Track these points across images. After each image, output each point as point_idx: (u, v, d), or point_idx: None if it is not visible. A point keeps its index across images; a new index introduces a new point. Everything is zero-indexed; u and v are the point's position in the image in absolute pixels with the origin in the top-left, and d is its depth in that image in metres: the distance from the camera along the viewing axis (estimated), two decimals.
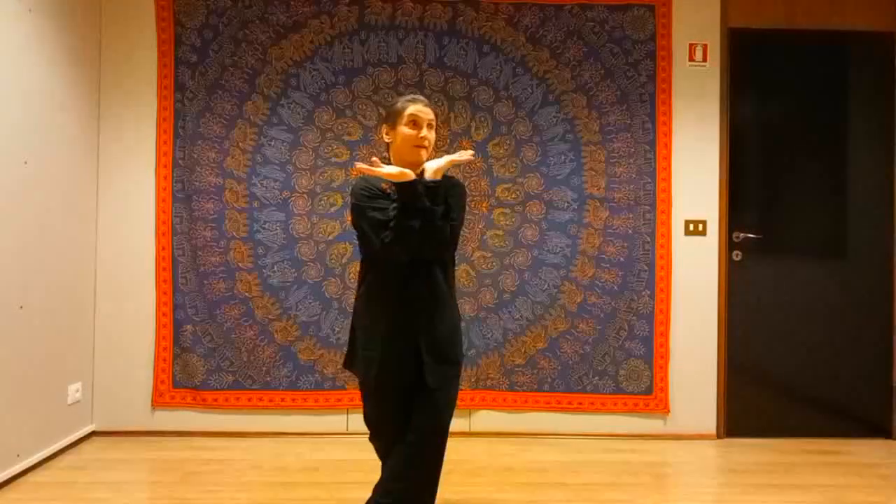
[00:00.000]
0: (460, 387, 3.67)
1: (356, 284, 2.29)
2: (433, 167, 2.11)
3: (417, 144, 2.16)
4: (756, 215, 3.82)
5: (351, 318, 2.30)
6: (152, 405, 3.65)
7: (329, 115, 3.69)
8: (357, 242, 2.25)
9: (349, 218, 2.16)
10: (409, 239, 2.03)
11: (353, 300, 3.65)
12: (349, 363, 2.30)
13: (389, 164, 2.19)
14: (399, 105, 2.20)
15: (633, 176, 3.73)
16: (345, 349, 2.36)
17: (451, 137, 3.71)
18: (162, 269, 3.65)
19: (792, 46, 3.82)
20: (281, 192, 3.68)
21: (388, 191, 2.13)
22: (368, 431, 2.30)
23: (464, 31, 3.72)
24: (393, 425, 2.16)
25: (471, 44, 3.72)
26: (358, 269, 2.24)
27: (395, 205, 2.06)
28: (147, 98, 3.66)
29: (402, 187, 2.05)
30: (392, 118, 2.21)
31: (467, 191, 3.69)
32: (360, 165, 2.11)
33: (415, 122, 2.17)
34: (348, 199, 3.65)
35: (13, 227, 2.96)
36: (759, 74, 3.82)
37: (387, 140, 2.24)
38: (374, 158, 2.13)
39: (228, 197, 3.67)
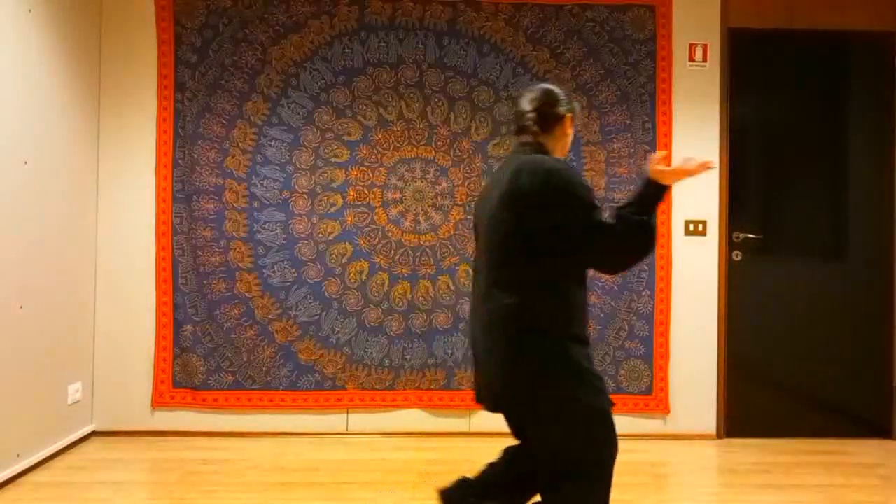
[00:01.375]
0: (461, 387, 3.70)
1: (531, 288, 1.83)
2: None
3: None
4: (756, 215, 3.82)
5: (523, 322, 1.81)
6: (152, 405, 3.65)
7: (329, 115, 3.69)
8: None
9: (546, 211, 1.81)
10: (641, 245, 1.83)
11: (352, 300, 3.69)
12: (559, 384, 1.80)
13: (546, 152, 1.96)
14: (573, 105, 2.04)
15: (633, 176, 3.73)
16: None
17: (450, 137, 3.71)
18: (162, 270, 3.65)
19: (792, 46, 3.82)
20: (281, 192, 3.68)
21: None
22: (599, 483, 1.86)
23: (464, 31, 3.72)
24: None
25: (471, 44, 3.72)
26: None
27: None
28: (147, 98, 3.66)
29: (662, 191, 1.85)
30: (570, 114, 2.02)
31: (468, 192, 3.73)
32: (660, 166, 1.86)
33: None
34: (349, 199, 3.68)
35: (13, 227, 2.96)
36: (759, 74, 3.82)
37: (567, 132, 2.01)
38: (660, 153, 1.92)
39: (228, 197, 3.67)
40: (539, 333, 1.80)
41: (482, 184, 3.71)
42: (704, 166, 1.87)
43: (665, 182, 1.85)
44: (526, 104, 1.99)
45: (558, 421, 1.82)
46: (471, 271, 2.03)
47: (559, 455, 1.85)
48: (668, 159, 1.86)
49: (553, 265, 1.82)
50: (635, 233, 1.79)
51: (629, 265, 1.88)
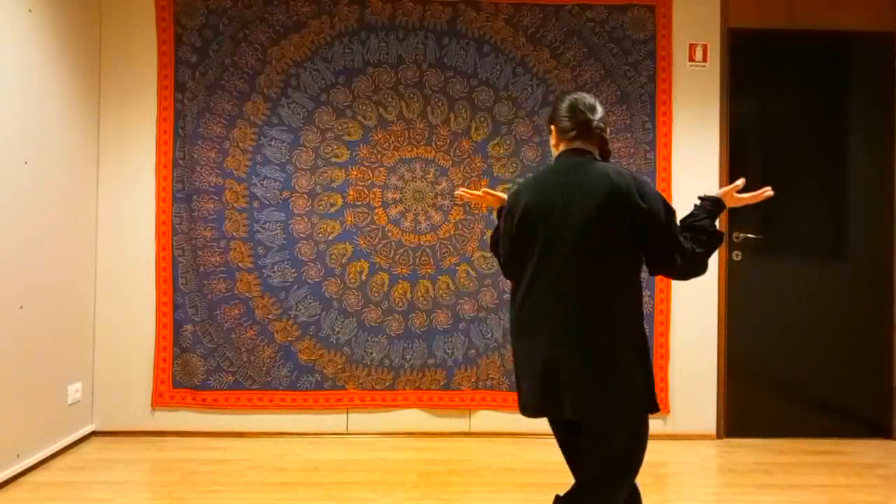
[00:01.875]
0: (461, 387, 3.70)
1: (627, 298, 1.97)
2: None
3: None
4: (756, 215, 3.81)
5: (638, 347, 2.01)
6: (152, 405, 3.65)
7: (329, 115, 3.69)
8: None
9: (661, 220, 1.88)
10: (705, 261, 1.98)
11: (352, 300, 3.69)
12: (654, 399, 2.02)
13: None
14: None
15: None
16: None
17: (450, 137, 3.71)
18: (162, 269, 3.65)
19: (792, 46, 3.82)
20: (281, 192, 3.68)
21: None
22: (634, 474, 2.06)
23: (464, 31, 3.72)
24: None
25: (471, 44, 3.72)
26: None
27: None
28: (147, 98, 3.66)
29: (723, 210, 2.05)
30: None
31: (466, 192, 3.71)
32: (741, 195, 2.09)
33: None
34: (349, 199, 3.68)
35: (13, 227, 2.96)
36: (759, 74, 3.82)
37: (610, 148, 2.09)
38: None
39: (228, 197, 3.67)
40: (642, 348, 1.99)
41: (482, 184, 3.69)
42: (767, 193, 2.10)
43: (731, 205, 2.07)
44: (590, 111, 1.99)
45: (644, 423, 2.04)
46: (525, 277, 1.93)
47: (629, 455, 2.02)
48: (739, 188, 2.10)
49: (639, 273, 1.96)
50: (714, 242, 1.97)
51: (704, 271, 1.99)
